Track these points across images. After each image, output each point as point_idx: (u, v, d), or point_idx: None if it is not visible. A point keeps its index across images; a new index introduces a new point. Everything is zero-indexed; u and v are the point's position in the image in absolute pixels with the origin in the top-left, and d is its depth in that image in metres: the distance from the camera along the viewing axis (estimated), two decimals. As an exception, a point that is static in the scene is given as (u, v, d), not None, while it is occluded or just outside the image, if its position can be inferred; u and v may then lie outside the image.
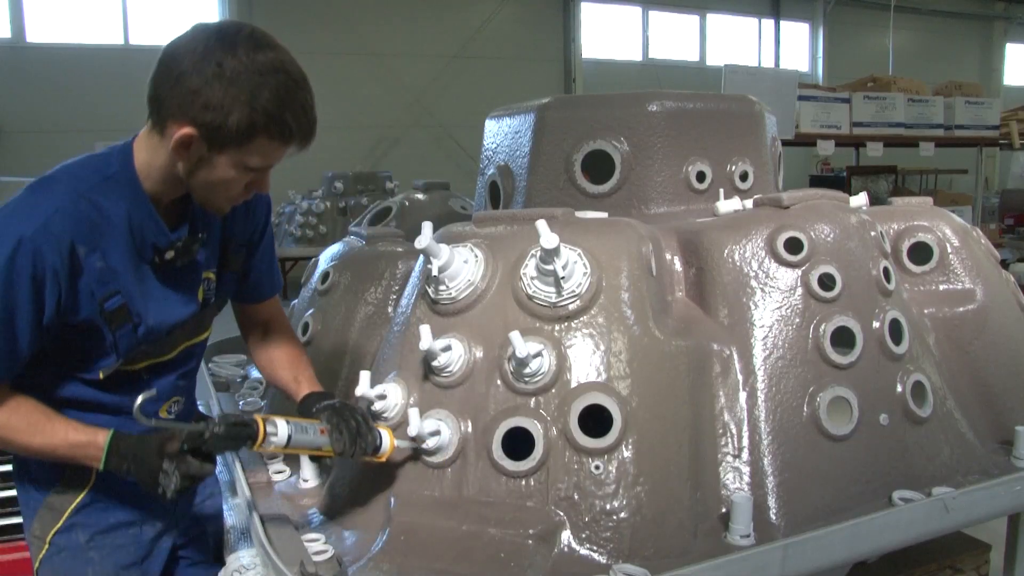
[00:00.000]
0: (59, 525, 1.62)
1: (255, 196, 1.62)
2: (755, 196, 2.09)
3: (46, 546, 1.63)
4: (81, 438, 1.45)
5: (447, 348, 1.62)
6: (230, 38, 1.34)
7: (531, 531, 1.47)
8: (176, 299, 1.58)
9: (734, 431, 1.70)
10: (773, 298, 1.79)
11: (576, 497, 1.51)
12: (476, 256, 1.72)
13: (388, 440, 1.59)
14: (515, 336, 1.54)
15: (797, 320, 1.78)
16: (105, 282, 1.45)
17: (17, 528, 2.92)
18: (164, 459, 1.40)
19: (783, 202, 1.93)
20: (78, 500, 1.62)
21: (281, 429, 1.44)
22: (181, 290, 1.58)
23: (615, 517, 1.50)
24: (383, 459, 1.60)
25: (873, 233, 1.98)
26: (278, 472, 2.01)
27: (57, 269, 1.38)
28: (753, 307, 1.78)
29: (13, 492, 2.90)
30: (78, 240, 1.40)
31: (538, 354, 1.57)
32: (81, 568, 1.63)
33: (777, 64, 15.77)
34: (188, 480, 1.42)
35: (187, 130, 1.34)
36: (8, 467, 2.94)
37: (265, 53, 1.34)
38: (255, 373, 2.91)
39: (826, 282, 1.81)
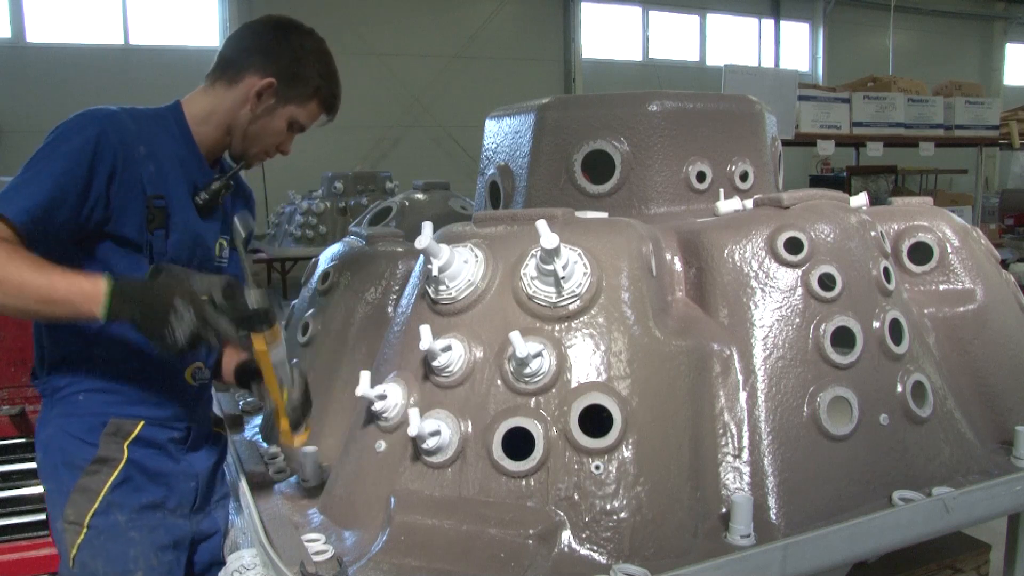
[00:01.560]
0: (96, 506, 1.61)
1: (249, 209, 1.97)
2: (755, 196, 2.09)
3: (84, 530, 1.61)
4: (83, 280, 1.41)
5: (447, 348, 1.62)
6: (296, 24, 1.76)
7: (531, 531, 1.47)
8: (201, 232, 1.75)
9: (734, 431, 1.70)
10: (773, 298, 1.79)
11: (576, 497, 1.51)
12: (476, 256, 1.72)
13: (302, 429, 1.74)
14: (515, 336, 1.54)
15: (797, 320, 1.78)
16: (156, 185, 1.64)
17: (17, 528, 2.90)
18: (176, 298, 1.37)
19: (783, 202, 1.93)
20: (113, 477, 1.62)
21: (281, 335, 1.57)
22: (206, 230, 1.77)
23: (615, 517, 1.50)
24: (289, 441, 1.73)
25: (873, 233, 1.98)
26: (278, 472, 2.01)
27: (116, 151, 1.55)
28: (753, 307, 1.78)
29: (13, 492, 2.91)
30: (141, 140, 1.61)
31: (538, 354, 1.57)
32: (123, 548, 1.63)
33: (777, 64, 15.77)
34: (202, 324, 1.38)
35: (270, 80, 1.69)
36: (8, 467, 2.94)
37: (323, 43, 1.77)
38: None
39: (826, 282, 1.81)
